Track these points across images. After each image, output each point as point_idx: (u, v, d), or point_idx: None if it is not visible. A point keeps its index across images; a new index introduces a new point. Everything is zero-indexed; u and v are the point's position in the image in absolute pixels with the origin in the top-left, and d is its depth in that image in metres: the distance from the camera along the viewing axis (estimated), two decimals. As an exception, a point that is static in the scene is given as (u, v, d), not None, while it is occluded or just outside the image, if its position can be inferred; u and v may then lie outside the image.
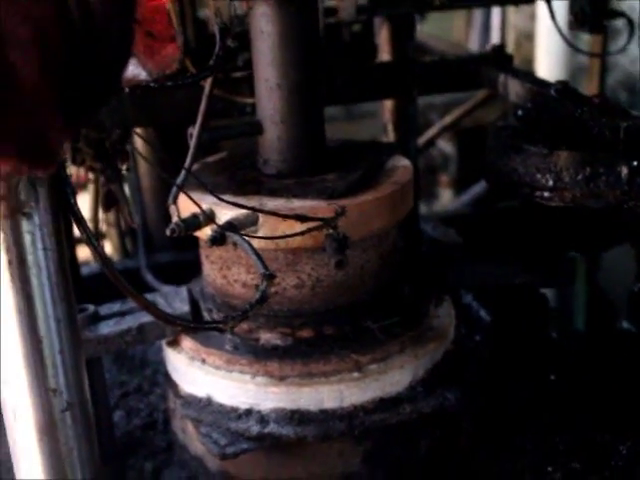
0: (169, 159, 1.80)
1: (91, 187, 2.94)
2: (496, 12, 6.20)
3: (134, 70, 1.18)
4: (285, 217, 1.61)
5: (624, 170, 1.92)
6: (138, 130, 2.33)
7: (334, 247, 1.71)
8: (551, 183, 1.99)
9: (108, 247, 3.15)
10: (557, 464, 2.07)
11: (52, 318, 1.28)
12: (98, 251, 1.27)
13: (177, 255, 2.87)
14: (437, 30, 6.08)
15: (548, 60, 5.32)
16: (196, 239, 2.06)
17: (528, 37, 5.91)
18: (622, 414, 2.17)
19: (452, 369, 2.00)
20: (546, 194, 2.01)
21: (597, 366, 2.38)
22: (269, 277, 1.59)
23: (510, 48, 5.44)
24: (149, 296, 2.07)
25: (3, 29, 0.84)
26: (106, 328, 1.96)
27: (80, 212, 1.26)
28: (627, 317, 2.58)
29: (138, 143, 2.39)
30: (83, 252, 3.06)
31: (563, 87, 2.13)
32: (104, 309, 2.03)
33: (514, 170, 2.04)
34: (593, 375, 2.34)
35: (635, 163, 1.91)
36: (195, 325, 1.62)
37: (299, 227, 1.71)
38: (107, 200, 1.22)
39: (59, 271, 1.27)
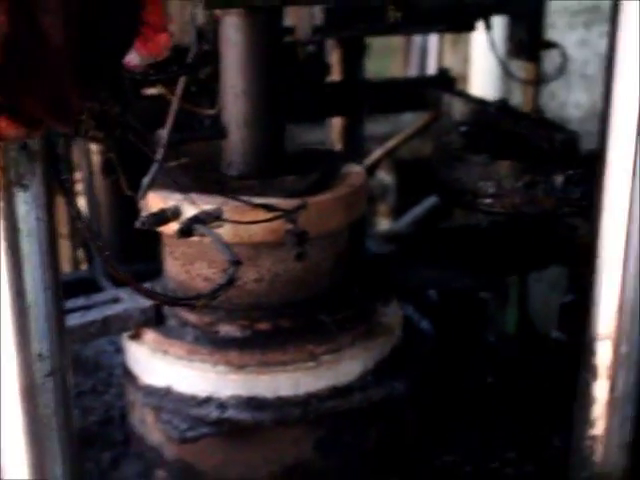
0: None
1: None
2: (432, 55, 6.43)
3: (128, 55, 1.30)
4: (249, 205, 1.73)
5: (559, 179, 2.09)
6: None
7: (294, 240, 1.84)
8: (492, 190, 2.15)
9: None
10: (494, 454, 2.21)
11: (40, 285, 1.37)
12: (84, 223, 1.38)
13: (130, 268, 2.95)
14: (376, 71, 6.28)
15: (484, 100, 5.52)
16: (149, 251, 2.18)
17: (463, 79, 6.14)
18: (554, 410, 2.32)
19: (399, 362, 2.14)
20: (488, 201, 2.17)
21: (530, 369, 2.54)
22: (236, 263, 1.70)
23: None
24: (112, 291, 2.19)
25: (37, -4, 0.96)
26: (72, 320, 2.06)
27: (71, 187, 1.37)
28: (557, 326, 2.74)
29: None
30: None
31: (502, 104, 2.30)
32: (69, 303, 2.12)
33: (458, 179, 2.20)
34: (527, 377, 2.49)
35: (569, 172, 2.08)
36: (171, 300, 1.73)
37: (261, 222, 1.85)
38: (106, 167, 1.33)
39: (50, 241, 1.38)
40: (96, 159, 2.82)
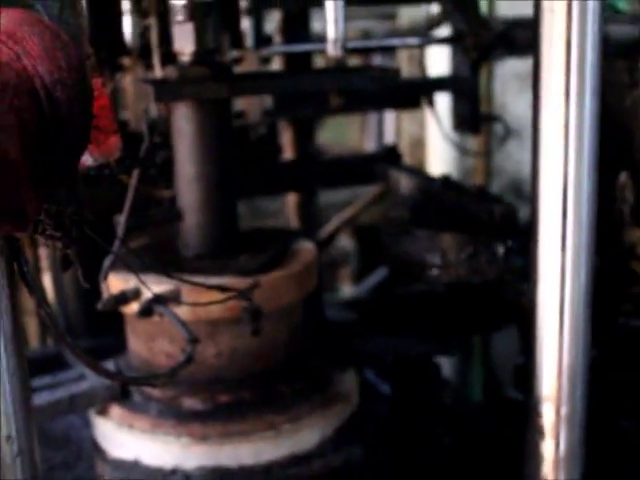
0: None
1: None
2: (389, 119, 6.60)
3: (82, 157, 1.41)
4: (206, 287, 1.83)
5: (500, 249, 2.21)
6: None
7: (249, 317, 1.95)
8: (438, 262, 2.26)
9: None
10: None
11: (6, 371, 1.46)
12: (47, 312, 1.47)
13: (95, 341, 3.03)
14: (334, 137, 6.44)
15: (439, 164, 5.69)
16: (112, 325, 2.27)
17: (420, 143, 6.33)
18: (510, 472, 2.40)
19: (357, 429, 2.23)
20: (434, 272, 2.28)
21: (487, 429, 2.63)
22: (193, 341, 1.80)
23: (404, 153, 5.80)
24: (79, 369, 2.27)
25: (-6, 117, 1.07)
26: (39, 399, 2.14)
27: (32, 279, 1.47)
28: (514, 386, 2.84)
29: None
30: None
31: (446, 180, 2.43)
32: (36, 382, 2.20)
33: (406, 252, 2.32)
34: (483, 437, 2.58)
35: (509, 243, 2.20)
36: (131, 379, 1.83)
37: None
38: (64, 263, 1.42)
39: (13, 331, 1.46)
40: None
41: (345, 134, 7.39)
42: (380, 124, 6.67)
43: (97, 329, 2.95)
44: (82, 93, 1.23)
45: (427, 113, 5.98)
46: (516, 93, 6.25)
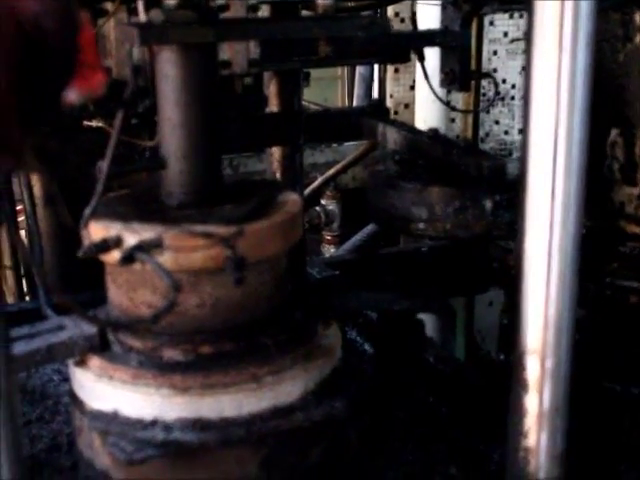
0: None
1: None
2: (376, 83, 6.58)
3: (67, 93, 1.37)
4: (189, 234, 1.80)
5: (488, 203, 2.19)
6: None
7: (233, 266, 1.92)
8: (425, 216, 2.24)
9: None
10: (435, 471, 2.28)
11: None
12: (26, 252, 1.44)
13: (72, 297, 2.99)
14: (322, 101, 6.42)
15: (425, 128, 5.64)
16: (89, 281, 2.23)
17: (406, 106, 6.31)
18: (492, 428, 2.39)
19: (339, 383, 2.20)
20: (420, 225, 2.26)
21: (470, 388, 2.62)
22: (176, 288, 1.77)
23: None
24: (57, 320, 2.23)
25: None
26: (17, 348, 2.10)
27: (10, 216, 1.43)
28: (497, 347, 2.84)
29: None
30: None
31: (434, 133, 2.40)
32: (13, 332, 2.16)
33: (392, 205, 2.29)
34: (467, 396, 2.57)
35: (497, 197, 2.18)
36: (113, 323, 1.79)
37: (201, 249, 1.93)
38: (48, 199, 1.39)
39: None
40: (38, 190, 2.88)
41: (333, 98, 7.37)
42: (368, 87, 6.63)
43: (73, 285, 2.91)
44: (68, 23, 1.19)
45: (417, 76, 5.93)
46: (506, 57, 6.23)
